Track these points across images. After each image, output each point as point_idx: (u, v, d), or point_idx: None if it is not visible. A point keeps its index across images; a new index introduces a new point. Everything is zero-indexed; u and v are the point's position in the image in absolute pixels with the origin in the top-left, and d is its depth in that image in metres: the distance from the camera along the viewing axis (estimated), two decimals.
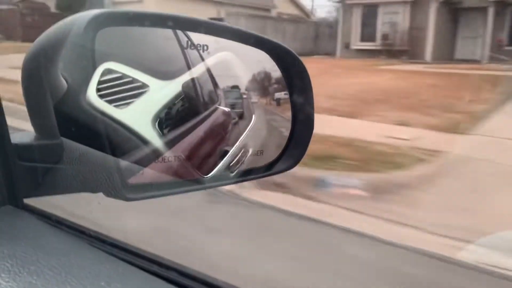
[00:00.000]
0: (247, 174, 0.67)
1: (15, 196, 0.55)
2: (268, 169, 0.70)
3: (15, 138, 0.57)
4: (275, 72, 0.70)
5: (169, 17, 0.60)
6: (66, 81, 0.52)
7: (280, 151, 0.71)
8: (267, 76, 0.72)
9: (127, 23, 0.57)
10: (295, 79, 0.69)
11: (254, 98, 0.71)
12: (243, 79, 0.69)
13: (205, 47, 0.63)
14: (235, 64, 0.67)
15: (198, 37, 0.63)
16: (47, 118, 0.54)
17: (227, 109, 0.69)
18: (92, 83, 0.51)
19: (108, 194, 0.54)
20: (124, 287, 0.41)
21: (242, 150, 0.67)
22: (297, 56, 0.68)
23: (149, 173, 0.59)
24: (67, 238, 0.51)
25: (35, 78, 0.55)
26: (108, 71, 0.52)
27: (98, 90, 0.51)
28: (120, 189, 0.53)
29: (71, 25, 0.53)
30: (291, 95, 0.70)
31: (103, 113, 0.51)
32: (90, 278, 0.41)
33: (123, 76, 0.54)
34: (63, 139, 0.55)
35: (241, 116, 0.70)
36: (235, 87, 0.70)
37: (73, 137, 0.54)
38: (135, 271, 0.45)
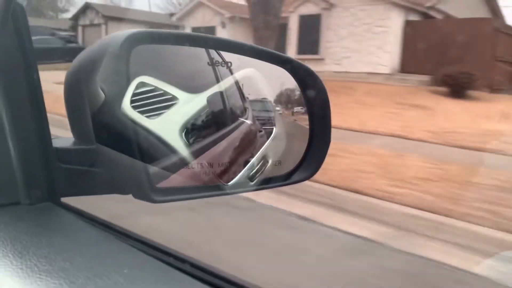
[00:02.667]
0: (266, 183, 0.71)
1: (54, 194, 0.60)
2: (286, 178, 0.74)
3: (56, 142, 0.62)
4: (293, 86, 0.75)
5: (195, 37, 0.65)
6: (104, 93, 0.57)
7: (298, 162, 0.75)
8: (287, 91, 0.76)
9: (157, 42, 0.63)
10: (311, 93, 0.73)
11: (276, 111, 0.75)
12: (266, 94, 0.74)
13: (229, 64, 0.68)
14: (258, 79, 0.71)
15: (222, 55, 0.68)
16: (85, 126, 0.60)
17: (249, 121, 0.73)
18: (127, 95, 0.56)
19: (137, 196, 0.59)
20: (143, 274, 0.46)
21: (262, 160, 0.71)
22: (315, 72, 0.72)
23: (175, 178, 0.64)
24: (97, 232, 0.56)
25: (76, 90, 0.61)
26: (141, 84, 0.57)
27: (132, 101, 0.56)
28: (148, 192, 0.58)
29: (109, 44, 0.59)
30: (309, 108, 0.74)
31: (136, 123, 0.57)
32: (114, 266, 0.46)
33: (155, 89, 0.59)
34: (98, 145, 0.61)
35: (262, 128, 0.74)
36: (258, 101, 0.75)
37: (108, 143, 0.60)
38: (153, 261, 0.50)
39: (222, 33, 22.47)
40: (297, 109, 0.76)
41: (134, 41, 0.58)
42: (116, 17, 33.21)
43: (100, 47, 0.59)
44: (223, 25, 23.21)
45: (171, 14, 28.87)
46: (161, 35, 0.63)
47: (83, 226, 0.56)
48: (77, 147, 0.62)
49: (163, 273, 0.48)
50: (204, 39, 0.66)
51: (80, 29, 34.77)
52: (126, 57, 0.56)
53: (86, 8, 35.31)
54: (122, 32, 0.59)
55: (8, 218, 0.53)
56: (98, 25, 33.11)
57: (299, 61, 0.73)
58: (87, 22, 34.50)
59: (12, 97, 0.57)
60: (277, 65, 0.72)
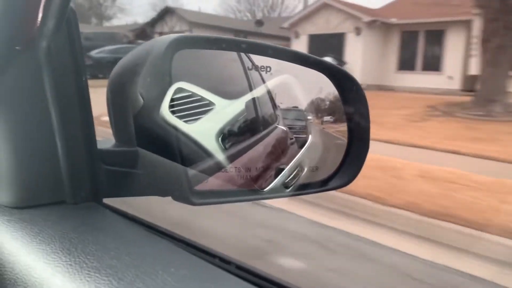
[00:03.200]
0: (302, 189, 0.71)
1: (97, 194, 0.63)
2: (323, 184, 0.73)
3: (100, 144, 0.65)
4: (331, 94, 0.74)
5: (236, 41, 0.66)
6: (142, 97, 0.59)
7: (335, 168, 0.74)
8: (324, 98, 0.75)
9: (201, 46, 0.64)
10: (351, 100, 0.72)
11: (310, 118, 0.75)
12: (301, 101, 0.73)
13: (268, 69, 0.68)
14: (293, 86, 0.71)
15: (261, 59, 0.68)
16: (127, 129, 0.62)
17: (285, 128, 0.73)
18: (165, 100, 0.57)
19: (176, 198, 0.61)
20: (190, 273, 0.46)
21: (299, 166, 0.71)
22: (354, 77, 0.71)
23: (213, 182, 0.65)
24: (141, 232, 0.57)
25: (119, 93, 0.64)
26: (179, 90, 0.59)
27: (170, 106, 0.58)
28: (188, 195, 0.59)
29: (152, 48, 0.60)
30: (348, 114, 0.73)
31: (174, 127, 0.58)
32: (162, 265, 0.46)
33: (193, 94, 0.60)
34: (138, 147, 0.63)
35: (301, 134, 0.74)
36: (294, 108, 0.74)
37: (147, 146, 0.61)
38: (199, 262, 0.50)
39: (355, 41, 20.23)
40: (327, 118, 0.75)
41: (177, 45, 0.59)
42: (203, 24, 30.81)
43: (144, 50, 0.61)
44: (358, 31, 20.35)
45: (258, 21, 27.73)
46: (203, 40, 0.64)
47: (127, 226, 0.58)
48: (119, 149, 0.64)
49: (210, 273, 0.49)
50: (246, 44, 0.66)
51: (157, 37, 33.82)
52: (169, 62, 0.58)
53: (165, 13, 33.12)
54: (166, 36, 0.61)
55: (54, 216, 0.56)
56: (181, 33, 31.54)
57: (338, 66, 0.72)
58: (166, 29, 32.23)
59: (62, 98, 0.59)
60: (316, 70, 0.71)
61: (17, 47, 0.57)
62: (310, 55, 0.70)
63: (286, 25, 23.56)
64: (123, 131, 0.64)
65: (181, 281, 0.44)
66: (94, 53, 21.16)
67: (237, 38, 0.67)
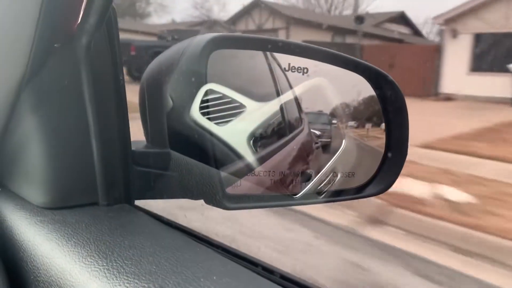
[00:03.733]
0: (336, 195, 0.69)
1: (129, 196, 0.62)
2: (358, 191, 0.71)
3: (132, 145, 0.64)
4: (366, 97, 0.72)
5: (274, 41, 0.64)
6: (172, 99, 0.58)
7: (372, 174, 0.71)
8: (359, 101, 0.73)
9: (239, 46, 0.62)
10: (390, 104, 0.69)
11: (340, 121, 0.73)
12: (333, 104, 0.71)
13: (305, 70, 0.66)
14: (327, 90, 0.69)
15: (299, 60, 0.66)
16: (160, 130, 0.61)
17: (318, 132, 0.71)
18: (195, 102, 0.56)
19: (209, 202, 0.60)
20: (233, 282, 0.44)
21: (332, 172, 0.69)
22: (393, 79, 0.68)
23: (244, 185, 0.63)
24: (178, 236, 0.55)
25: (154, 94, 0.63)
26: (210, 91, 0.57)
27: (201, 108, 0.57)
28: (221, 199, 0.58)
29: (187, 47, 0.59)
30: (386, 119, 0.70)
31: (205, 129, 0.57)
32: (203, 272, 0.44)
33: (223, 96, 0.59)
34: (170, 149, 0.62)
35: (326, 138, 0.72)
36: (321, 110, 0.72)
37: (177, 148, 0.60)
38: (242, 270, 0.48)
39: None
40: (351, 123, 0.72)
41: (214, 45, 0.58)
42: (299, 20, 24.91)
43: (179, 49, 0.60)
44: None
45: (358, 18, 21.81)
46: (242, 40, 0.62)
47: (162, 229, 0.56)
48: (152, 150, 0.64)
49: (254, 283, 0.46)
50: (282, 43, 0.64)
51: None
52: (205, 62, 0.57)
53: (252, 7, 27.27)
54: (200, 36, 0.60)
55: (87, 218, 0.56)
56: (274, 30, 24.96)
57: (377, 68, 0.69)
58: (252, 26, 26.78)
59: (99, 98, 0.59)
60: (355, 72, 0.69)
61: (56, 45, 0.56)
62: (350, 56, 0.68)
63: (440, 20, 18.03)
64: (156, 132, 0.63)
65: None
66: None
67: (277, 38, 0.65)
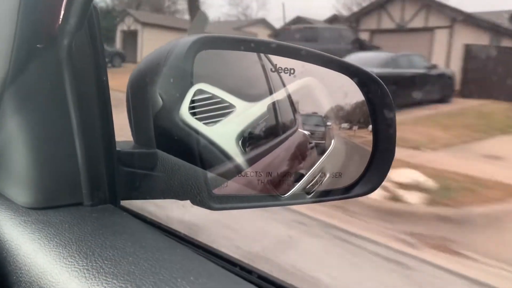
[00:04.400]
0: (324, 195, 0.69)
1: (114, 197, 0.62)
2: (346, 192, 0.71)
3: (119, 145, 0.64)
4: (354, 98, 0.72)
5: (261, 42, 0.64)
6: (162, 98, 0.58)
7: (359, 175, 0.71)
8: (347, 103, 0.73)
9: (224, 47, 0.62)
10: (378, 104, 0.70)
11: (330, 124, 0.73)
12: (324, 105, 0.71)
13: (292, 71, 0.66)
14: (317, 90, 0.69)
15: (285, 61, 0.67)
16: (147, 130, 0.61)
17: (306, 132, 0.71)
18: (185, 102, 0.56)
19: (195, 202, 0.59)
20: (210, 283, 0.44)
21: (320, 172, 0.69)
22: (380, 80, 0.69)
23: (232, 186, 0.63)
24: (159, 237, 0.55)
25: (139, 93, 0.63)
26: (199, 92, 0.57)
27: (190, 108, 0.57)
28: (207, 199, 0.58)
29: (173, 48, 0.59)
30: (373, 119, 0.70)
31: (193, 129, 0.57)
32: (181, 272, 0.44)
33: (213, 96, 0.58)
34: (157, 149, 0.61)
35: (320, 139, 0.72)
36: (313, 113, 0.72)
37: (165, 149, 0.60)
38: (220, 270, 0.48)
39: None
40: (344, 125, 0.72)
41: (201, 45, 0.58)
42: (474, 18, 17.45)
43: (164, 51, 0.60)
44: None
45: None
46: (229, 40, 0.62)
47: (144, 230, 0.56)
48: (138, 151, 0.63)
49: (230, 283, 0.47)
50: (267, 44, 0.65)
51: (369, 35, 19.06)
52: (190, 62, 0.57)
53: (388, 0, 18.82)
54: (186, 37, 0.60)
55: (71, 218, 0.55)
56: (427, 29, 17.75)
57: (364, 68, 0.69)
58: (389, 24, 19.14)
59: (82, 98, 0.58)
60: (340, 72, 0.69)
61: (38, 45, 0.56)
62: (336, 57, 0.68)
63: None
64: (142, 132, 0.63)
65: None
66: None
67: (262, 39, 0.65)
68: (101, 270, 0.44)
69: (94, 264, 0.45)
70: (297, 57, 0.65)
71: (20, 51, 0.55)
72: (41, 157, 0.57)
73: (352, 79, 0.70)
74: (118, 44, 29.31)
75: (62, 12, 0.55)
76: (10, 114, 0.57)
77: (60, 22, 0.55)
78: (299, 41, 14.66)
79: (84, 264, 0.45)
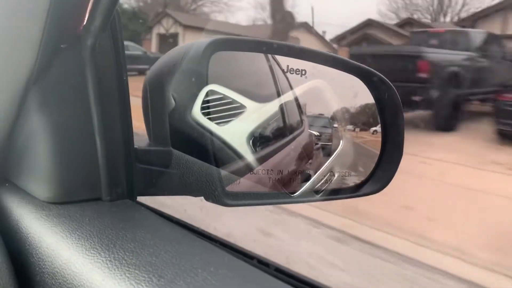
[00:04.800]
0: (334, 194, 0.70)
1: (132, 192, 0.64)
2: (355, 190, 0.72)
3: (135, 143, 0.66)
4: (360, 100, 0.73)
5: (273, 43, 0.66)
6: (174, 99, 0.60)
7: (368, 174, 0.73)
8: (353, 105, 0.75)
9: (239, 48, 0.64)
10: (385, 103, 0.71)
11: (337, 126, 0.74)
12: (331, 107, 0.73)
13: (303, 71, 0.68)
14: (324, 91, 0.71)
15: (298, 62, 0.68)
16: (162, 128, 0.63)
17: (316, 133, 0.73)
18: (197, 102, 0.58)
19: (208, 198, 0.62)
20: (230, 273, 0.45)
21: (329, 172, 0.71)
22: (388, 81, 0.70)
23: (244, 183, 0.65)
24: (178, 230, 0.57)
25: (156, 93, 0.65)
26: (211, 92, 0.59)
27: (202, 108, 0.59)
28: (220, 195, 0.60)
29: (189, 49, 0.61)
30: (382, 118, 0.72)
31: (206, 129, 0.59)
32: (201, 263, 0.46)
33: (224, 97, 0.61)
34: (172, 148, 0.64)
35: (327, 140, 0.74)
36: (320, 115, 0.74)
37: (180, 147, 0.62)
38: (238, 262, 0.49)
39: None
40: (349, 127, 0.74)
41: (216, 47, 0.61)
42: None
43: (180, 52, 0.62)
44: None
45: None
46: (243, 42, 0.64)
47: (163, 224, 0.58)
48: (154, 148, 0.66)
49: (249, 274, 0.48)
50: (280, 46, 0.66)
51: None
52: (206, 63, 0.59)
53: None
54: (203, 39, 0.62)
55: (91, 213, 0.58)
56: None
57: (372, 69, 0.71)
58: None
59: (103, 97, 0.61)
60: (351, 74, 0.70)
61: (62, 45, 0.58)
62: (346, 59, 0.70)
63: None
64: (158, 130, 0.65)
65: (222, 280, 0.43)
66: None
67: (274, 41, 0.67)
68: (123, 261, 0.46)
69: (116, 256, 0.47)
70: (308, 58, 0.67)
71: (46, 50, 0.57)
72: (63, 154, 0.60)
73: (362, 80, 0.72)
74: (154, 48, 26.96)
75: (88, 14, 0.57)
76: (34, 111, 0.59)
77: (85, 23, 0.58)
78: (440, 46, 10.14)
79: (107, 256, 0.47)
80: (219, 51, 0.62)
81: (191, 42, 0.62)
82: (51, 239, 0.53)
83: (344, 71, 0.71)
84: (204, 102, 0.59)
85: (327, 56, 0.70)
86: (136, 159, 0.65)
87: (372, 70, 0.72)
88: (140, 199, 0.67)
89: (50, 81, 0.59)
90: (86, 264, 0.47)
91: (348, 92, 0.73)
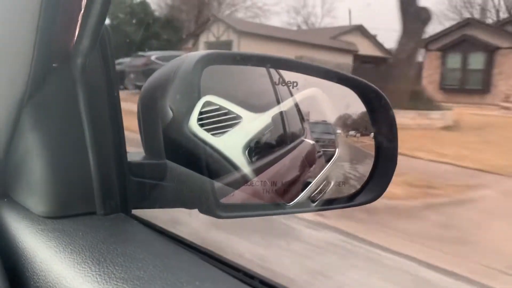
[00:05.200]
0: (328, 204, 0.71)
1: (126, 206, 0.64)
2: (349, 200, 0.72)
3: (130, 156, 0.67)
4: (357, 108, 0.74)
5: (265, 57, 0.67)
6: (172, 111, 0.60)
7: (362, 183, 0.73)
8: (350, 113, 0.76)
9: (229, 62, 0.65)
10: (379, 114, 0.72)
11: (336, 133, 0.75)
12: (329, 114, 0.74)
13: (295, 84, 0.69)
14: (321, 100, 0.72)
15: (289, 74, 0.69)
16: (156, 141, 0.64)
17: (312, 142, 0.73)
18: (194, 113, 0.59)
19: (203, 211, 0.62)
20: (214, 287, 0.46)
21: (325, 181, 0.71)
22: (382, 92, 0.71)
23: (239, 195, 0.65)
24: (168, 244, 0.58)
25: (150, 108, 0.65)
26: (207, 103, 0.60)
27: (199, 119, 0.59)
28: (214, 208, 0.60)
29: (182, 63, 0.62)
30: (375, 129, 0.72)
31: (202, 140, 0.59)
32: (187, 277, 0.47)
33: (220, 108, 0.61)
34: (167, 160, 0.64)
35: (329, 147, 0.74)
36: (321, 121, 0.75)
37: (175, 159, 0.63)
38: (224, 276, 0.50)
39: None
40: (352, 133, 0.75)
41: (207, 61, 0.61)
42: None
43: (173, 66, 0.63)
44: None
45: None
46: (232, 56, 0.65)
47: (154, 237, 0.59)
48: (148, 162, 0.66)
49: (233, 287, 0.49)
50: (271, 60, 0.67)
51: None
52: (198, 76, 0.60)
53: None
54: (194, 52, 0.63)
55: (84, 227, 0.58)
56: None
57: (364, 80, 0.72)
58: None
59: (95, 113, 0.61)
60: (342, 84, 0.71)
61: (54, 65, 0.59)
62: (338, 71, 0.71)
63: None
64: (152, 144, 0.66)
65: None
66: None
67: (264, 54, 0.68)
68: (112, 275, 0.47)
69: (106, 270, 0.48)
70: (300, 70, 0.68)
71: (38, 70, 0.58)
72: (57, 169, 0.60)
73: (353, 91, 0.72)
74: None
75: (76, 33, 0.58)
76: (28, 128, 0.60)
77: (74, 43, 0.59)
78: None
79: (97, 270, 0.48)
80: (210, 65, 0.62)
81: (184, 55, 0.63)
82: (45, 254, 0.53)
83: (336, 82, 0.72)
84: (200, 113, 0.59)
85: (317, 68, 0.71)
86: (130, 173, 0.65)
87: (365, 81, 0.73)
88: (135, 212, 0.67)
89: (43, 99, 0.60)
90: (77, 278, 0.47)
91: (342, 102, 0.74)
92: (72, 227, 0.57)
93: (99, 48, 0.62)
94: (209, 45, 24.41)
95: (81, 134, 0.61)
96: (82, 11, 0.56)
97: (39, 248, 0.54)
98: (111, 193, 0.63)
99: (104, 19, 0.59)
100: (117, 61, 0.66)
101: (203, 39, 25.10)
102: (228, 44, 23.08)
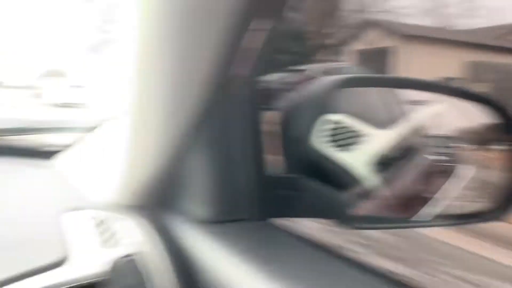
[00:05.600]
0: (459, 219, 0.72)
1: (269, 214, 0.73)
2: (482, 215, 0.73)
3: (269, 170, 0.75)
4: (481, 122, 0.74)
5: (397, 79, 0.71)
6: (308, 130, 0.67)
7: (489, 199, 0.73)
8: (479, 129, 0.76)
9: (364, 85, 0.71)
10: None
11: (462, 147, 0.76)
12: (452, 132, 0.75)
13: (424, 102, 0.72)
14: (447, 116, 0.74)
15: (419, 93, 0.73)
16: (294, 157, 0.71)
17: (434, 157, 0.76)
18: (326, 131, 0.65)
19: (337, 222, 0.68)
20: None
21: (449, 196, 0.73)
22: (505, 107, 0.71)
23: (368, 207, 0.71)
24: (314, 251, 0.63)
25: (288, 126, 0.73)
26: (336, 122, 0.66)
27: (330, 136, 0.66)
28: (347, 219, 0.66)
29: (318, 87, 0.69)
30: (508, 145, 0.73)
31: (330, 156, 0.66)
32: (333, 285, 0.51)
33: (347, 125, 0.67)
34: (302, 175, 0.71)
35: (452, 162, 0.76)
36: (445, 137, 0.77)
37: (311, 174, 0.70)
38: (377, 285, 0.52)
39: None
40: (473, 147, 0.75)
41: (343, 84, 0.68)
42: None
43: (317, 87, 0.70)
44: None
45: None
46: (367, 79, 0.71)
47: (298, 244, 0.66)
48: (287, 175, 0.74)
49: None
50: (404, 81, 0.71)
51: None
52: (333, 99, 0.66)
53: None
54: (334, 76, 0.69)
55: (240, 231, 0.67)
56: None
57: (497, 101, 0.72)
58: None
59: (251, 132, 0.70)
60: (479, 105, 0.72)
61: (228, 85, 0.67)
62: (470, 90, 0.73)
63: None
64: (290, 159, 0.73)
65: None
66: None
67: (394, 76, 0.72)
68: (278, 275, 0.53)
69: (270, 269, 0.55)
70: (431, 91, 0.71)
71: (212, 91, 0.66)
72: (219, 181, 0.70)
73: (482, 108, 0.74)
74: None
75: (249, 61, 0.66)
76: (202, 146, 0.70)
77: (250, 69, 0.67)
78: None
79: (263, 269, 0.55)
80: (347, 87, 0.68)
81: (326, 78, 0.70)
82: (210, 254, 0.62)
83: (464, 100, 0.74)
84: (328, 131, 0.66)
85: (445, 88, 0.73)
86: (271, 186, 0.73)
87: (492, 99, 0.73)
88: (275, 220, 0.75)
89: (218, 120, 0.69)
90: (247, 276, 0.55)
91: (467, 116, 0.75)
92: (230, 231, 0.67)
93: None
94: (361, 54, 21.00)
95: (238, 152, 0.70)
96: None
97: (205, 249, 0.64)
98: (257, 203, 0.71)
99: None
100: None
101: (352, 47, 22.28)
102: (383, 52, 16.21)
